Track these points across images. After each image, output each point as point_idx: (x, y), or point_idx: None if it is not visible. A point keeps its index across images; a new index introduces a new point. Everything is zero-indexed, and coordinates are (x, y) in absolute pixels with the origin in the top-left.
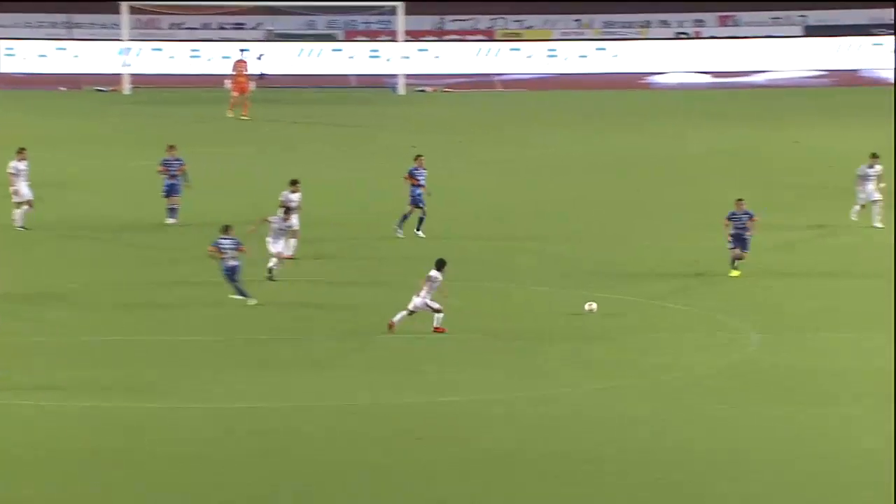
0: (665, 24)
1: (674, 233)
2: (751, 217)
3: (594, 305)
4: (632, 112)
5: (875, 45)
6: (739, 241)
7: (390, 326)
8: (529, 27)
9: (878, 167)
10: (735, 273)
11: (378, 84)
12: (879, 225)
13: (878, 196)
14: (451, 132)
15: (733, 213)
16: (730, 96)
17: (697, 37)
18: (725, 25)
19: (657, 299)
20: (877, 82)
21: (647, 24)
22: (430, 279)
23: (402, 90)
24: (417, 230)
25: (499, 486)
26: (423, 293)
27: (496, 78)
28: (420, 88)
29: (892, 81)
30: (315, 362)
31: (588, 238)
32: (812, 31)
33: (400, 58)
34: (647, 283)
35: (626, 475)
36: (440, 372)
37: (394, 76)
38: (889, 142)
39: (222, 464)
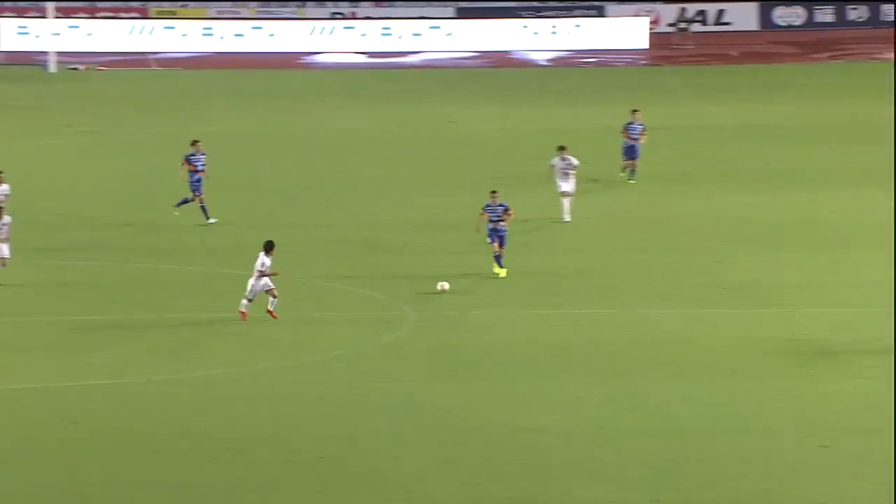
0: (321, 3)
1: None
2: (506, 210)
3: (446, 284)
4: (287, 91)
5: (524, 27)
6: (496, 234)
7: (242, 315)
8: (184, 5)
9: (572, 160)
10: (500, 272)
11: (28, 61)
12: (567, 218)
13: (568, 188)
14: (106, 110)
15: (488, 205)
16: (384, 76)
17: (353, 17)
18: (380, 6)
19: (325, 279)
20: (526, 64)
21: (303, 4)
22: (260, 263)
23: (53, 68)
24: (207, 219)
25: (142, 467)
26: (255, 277)
27: (151, 56)
28: (72, 66)
29: (541, 64)
30: None
31: (251, 219)
32: (464, 13)
33: (50, 35)
34: (317, 263)
35: (282, 452)
36: (103, 356)
37: (44, 53)
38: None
39: None
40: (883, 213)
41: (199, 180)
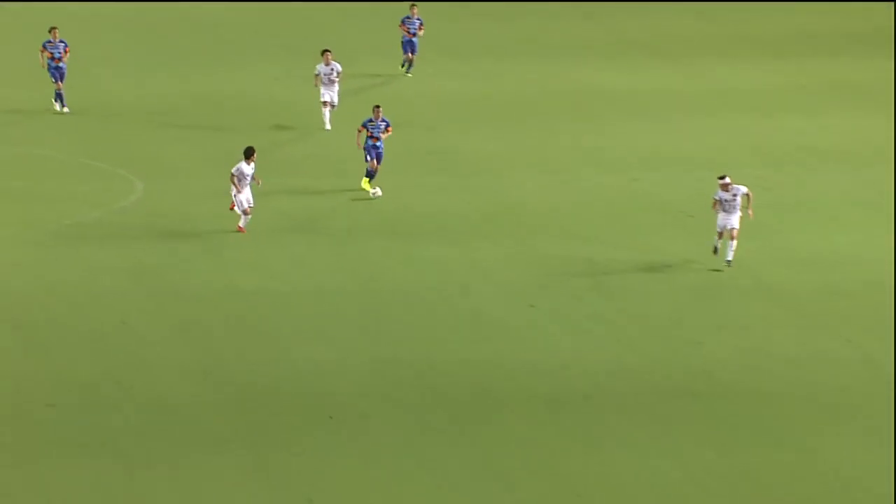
0: None
1: None
2: (388, 126)
3: (378, 191)
4: None
5: None
6: (375, 151)
7: (239, 230)
8: None
9: (336, 66)
10: (367, 186)
11: None
12: (328, 127)
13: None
14: None
15: (370, 120)
16: None
17: None
18: None
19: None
20: None
21: None
22: (240, 173)
23: None
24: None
25: None
26: (245, 191)
27: None
28: None
29: None
30: None
31: None
32: None
33: None
34: None
35: None
36: None
37: None
38: None
39: None
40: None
41: (57, 68)
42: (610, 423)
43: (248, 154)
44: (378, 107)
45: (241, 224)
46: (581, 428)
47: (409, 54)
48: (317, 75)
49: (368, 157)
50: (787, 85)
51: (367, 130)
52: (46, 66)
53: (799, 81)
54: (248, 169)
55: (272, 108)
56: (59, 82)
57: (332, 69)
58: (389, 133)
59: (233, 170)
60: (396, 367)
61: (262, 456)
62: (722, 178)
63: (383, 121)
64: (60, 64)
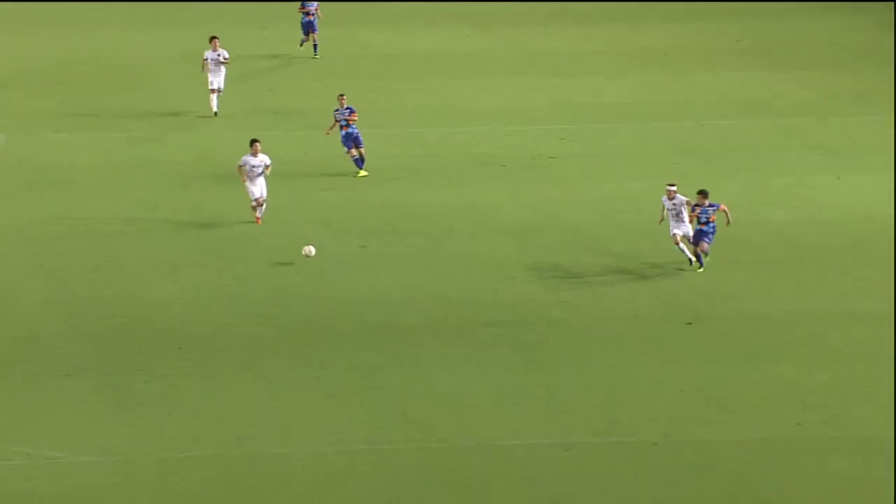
0: None
1: None
2: (352, 112)
3: (312, 249)
4: None
5: None
6: (350, 139)
7: (257, 220)
8: None
9: (223, 52)
10: (363, 173)
11: None
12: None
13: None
14: None
15: (337, 110)
16: None
17: None
18: None
19: None
20: None
21: None
22: (249, 165)
23: None
24: None
25: None
26: (256, 182)
27: None
28: None
29: None
30: None
31: None
32: None
33: None
34: None
35: None
36: None
37: None
38: None
39: None
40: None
41: None
42: (430, 348)
43: (252, 145)
44: (342, 95)
45: (257, 215)
46: (405, 352)
47: (309, 34)
48: (205, 61)
49: (347, 149)
50: (591, 50)
51: (336, 120)
52: None
53: (599, 48)
54: (254, 160)
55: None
56: None
57: (220, 55)
58: (355, 118)
59: (239, 161)
60: (242, 302)
61: (116, 383)
62: (671, 185)
63: (347, 108)
64: None
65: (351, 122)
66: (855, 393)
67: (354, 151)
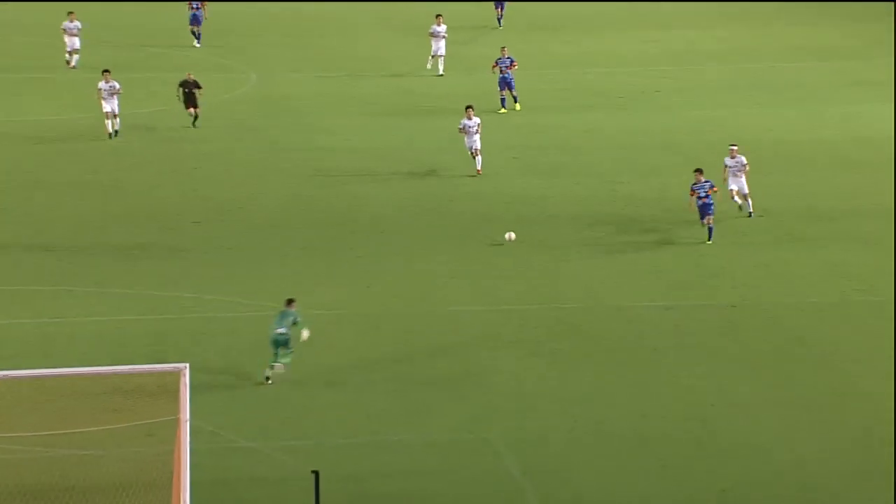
0: None
1: None
2: (512, 63)
3: (513, 235)
4: None
5: None
6: (505, 83)
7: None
8: None
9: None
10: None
11: None
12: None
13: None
14: None
15: (500, 59)
16: None
17: None
18: None
19: None
20: None
21: None
22: (465, 126)
23: None
24: None
25: None
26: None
27: None
28: None
29: None
30: None
31: None
32: None
33: None
34: None
35: None
36: None
37: None
38: None
39: None
40: None
41: None
42: (567, 234)
43: (466, 110)
44: (504, 47)
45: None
46: (546, 242)
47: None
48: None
49: (500, 89)
50: (688, 10)
51: (496, 64)
52: None
53: (693, 7)
54: (469, 122)
55: None
56: None
57: (112, 86)
58: (514, 67)
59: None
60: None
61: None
62: (733, 145)
63: (508, 58)
64: None
65: (509, 70)
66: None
67: (505, 93)
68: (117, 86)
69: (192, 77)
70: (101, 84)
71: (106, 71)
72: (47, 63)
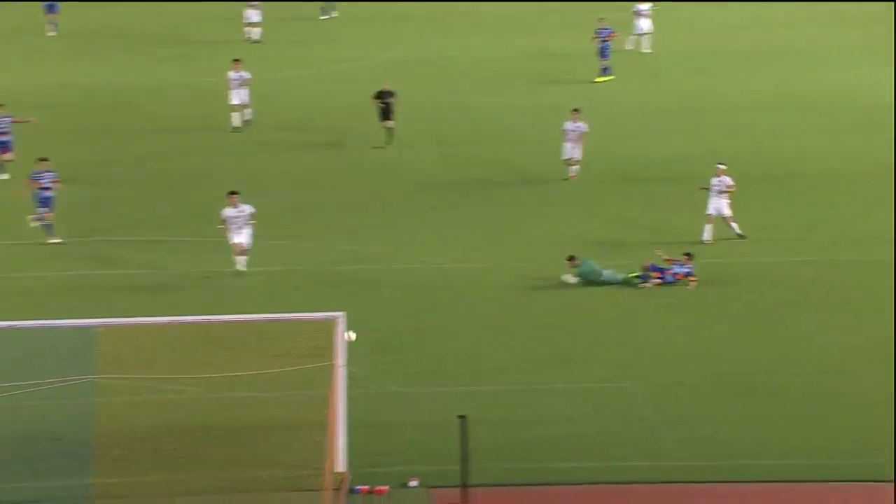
0: None
1: None
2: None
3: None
4: None
5: None
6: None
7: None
8: None
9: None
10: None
11: None
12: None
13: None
14: None
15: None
16: None
17: None
18: None
19: None
20: None
21: None
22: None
23: None
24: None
25: None
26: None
27: None
28: None
29: None
30: None
31: None
32: None
33: None
34: None
35: None
36: None
37: None
38: None
39: None
40: None
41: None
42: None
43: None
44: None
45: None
46: None
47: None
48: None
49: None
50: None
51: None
52: None
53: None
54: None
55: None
56: None
57: (241, 76)
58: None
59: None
60: None
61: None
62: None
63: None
64: None
65: (607, 41)
66: None
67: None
68: (247, 76)
69: (389, 86)
70: (231, 74)
71: (236, 60)
72: None
